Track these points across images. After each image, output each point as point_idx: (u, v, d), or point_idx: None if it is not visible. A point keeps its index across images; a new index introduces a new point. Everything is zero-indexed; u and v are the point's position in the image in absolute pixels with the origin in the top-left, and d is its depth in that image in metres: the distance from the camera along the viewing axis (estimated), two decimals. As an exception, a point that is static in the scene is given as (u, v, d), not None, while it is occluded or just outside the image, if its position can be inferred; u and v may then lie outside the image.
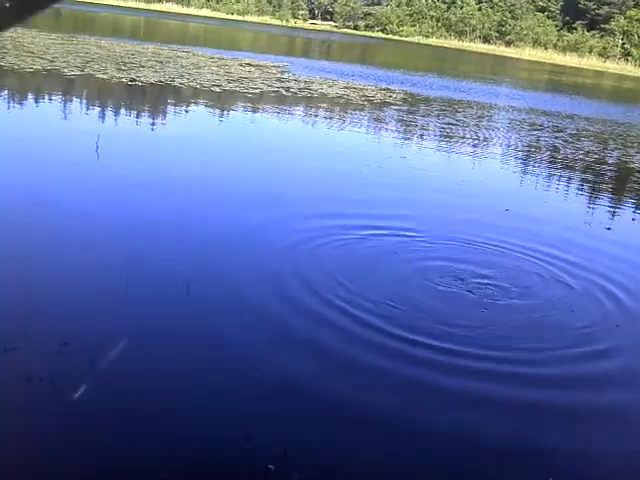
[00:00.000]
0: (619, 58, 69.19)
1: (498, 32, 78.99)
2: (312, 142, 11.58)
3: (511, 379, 3.86)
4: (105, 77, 14.52)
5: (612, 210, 8.89)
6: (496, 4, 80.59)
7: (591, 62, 66.53)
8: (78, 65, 15.84)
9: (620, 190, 10.60)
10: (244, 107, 13.74)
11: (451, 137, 13.06)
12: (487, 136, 13.80)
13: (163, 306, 4.30)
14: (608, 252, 6.52)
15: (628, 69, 63.60)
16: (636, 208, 9.37)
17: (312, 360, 3.80)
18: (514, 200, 8.71)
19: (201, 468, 2.83)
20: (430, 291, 4.89)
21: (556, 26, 77.80)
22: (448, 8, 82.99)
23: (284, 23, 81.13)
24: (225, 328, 4.05)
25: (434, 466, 3.06)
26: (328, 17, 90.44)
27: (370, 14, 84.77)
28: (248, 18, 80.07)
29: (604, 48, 71.41)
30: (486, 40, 78.13)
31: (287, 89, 16.65)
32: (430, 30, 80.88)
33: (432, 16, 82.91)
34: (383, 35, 79.58)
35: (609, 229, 7.68)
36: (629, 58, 68.35)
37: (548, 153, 12.77)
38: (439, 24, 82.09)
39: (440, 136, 13.22)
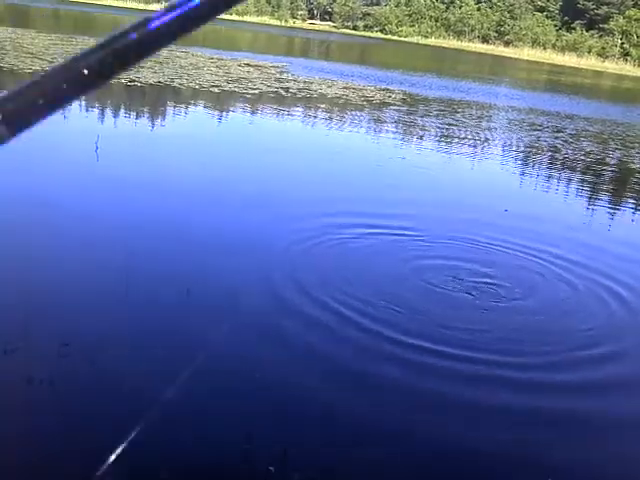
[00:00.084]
0: (618, 58, 69.24)
1: (497, 32, 79.05)
2: (311, 142, 11.59)
3: (512, 383, 3.84)
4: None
5: (613, 210, 8.90)
6: (495, 4, 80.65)
7: (590, 62, 66.57)
8: (77, 66, 15.82)
9: (621, 190, 10.61)
10: (243, 108, 13.75)
11: (450, 137, 13.06)
12: (486, 136, 13.81)
13: (162, 307, 4.30)
14: (609, 252, 6.51)
15: (627, 69, 63.65)
16: (637, 209, 9.38)
17: (311, 361, 3.80)
18: (513, 200, 8.71)
19: (201, 469, 2.83)
20: (429, 292, 4.88)
21: (555, 26, 77.86)
22: (447, 8, 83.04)
23: (283, 23, 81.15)
24: (225, 329, 4.05)
25: (432, 469, 3.07)
26: (327, 17, 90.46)
27: (369, 14, 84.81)
28: (247, 18, 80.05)
29: (603, 48, 71.47)
30: (485, 40, 78.18)
31: (286, 89, 16.65)
32: (429, 30, 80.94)
33: (431, 16, 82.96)
34: (382, 35, 79.59)
35: (610, 229, 7.69)
36: (628, 58, 68.40)
37: (548, 153, 12.78)
38: (438, 24, 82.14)
39: (439, 136, 13.23)
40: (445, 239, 6.21)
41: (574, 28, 75.06)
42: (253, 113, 13.18)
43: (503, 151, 12.52)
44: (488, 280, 5.19)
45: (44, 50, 18.32)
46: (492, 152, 12.34)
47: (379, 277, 5.09)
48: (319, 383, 3.58)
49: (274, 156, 9.41)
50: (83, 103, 12.09)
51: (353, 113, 14.94)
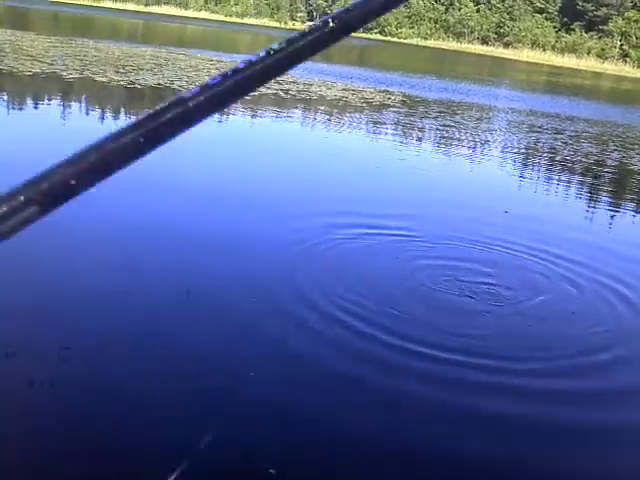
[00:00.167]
0: (617, 59, 69.33)
1: (496, 34, 79.14)
2: (310, 144, 11.59)
3: (515, 389, 3.82)
4: (104, 80, 14.53)
5: (613, 212, 8.90)
6: (494, 5, 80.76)
7: (589, 63, 66.66)
8: (77, 68, 15.84)
9: (621, 192, 10.60)
10: (242, 109, 13.75)
11: (450, 139, 13.06)
12: (486, 138, 13.81)
13: (163, 308, 4.29)
14: (611, 253, 6.50)
15: (626, 70, 63.74)
16: (637, 210, 9.37)
17: (311, 363, 3.79)
18: (513, 202, 8.71)
19: (201, 471, 2.82)
20: (429, 293, 4.87)
21: (554, 27, 77.96)
22: (446, 10, 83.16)
23: (282, 25, 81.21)
24: (225, 330, 4.05)
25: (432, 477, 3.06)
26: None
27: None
28: (246, 20, 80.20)
29: (602, 49, 71.57)
30: (484, 42, 78.29)
31: (285, 91, 16.66)
32: (428, 32, 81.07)
33: (430, 18, 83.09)
34: (381, 37, 79.71)
35: (610, 230, 7.68)
36: (627, 59, 68.50)
37: (548, 155, 12.78)
38: (437, 26, 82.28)
39: (439, 138, 13.23)
40: (445, 240, 6.20)
41: (573, 29, 75.16)
42: (252, 115, 13.18)
43: (503, 153, 12.52)
44: (489, 283, 5.16)
45: (44, 52, 18.33)
46: (492, 154, 12.34)
47: (379, 278, 5.08)
48: (318, 385, 3.57)
49: (274, 157, 9.41)
50: (83, 106, 12.10)
51: (352, 115, 14.94)
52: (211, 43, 38.67)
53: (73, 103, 12.14)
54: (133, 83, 14.59)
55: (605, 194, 10.07)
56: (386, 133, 13.05)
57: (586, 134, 16.23)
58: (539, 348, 4.28)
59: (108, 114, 11.57)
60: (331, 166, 9.34)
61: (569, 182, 10.57)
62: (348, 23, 0.55)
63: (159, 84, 14.95)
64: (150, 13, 69.68)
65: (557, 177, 10.80)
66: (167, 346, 3.80)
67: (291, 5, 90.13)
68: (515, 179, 10.31)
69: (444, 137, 13.25)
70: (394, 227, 6.37)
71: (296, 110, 14.98)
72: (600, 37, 73.27)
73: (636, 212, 9.18)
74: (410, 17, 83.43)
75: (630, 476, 3.26)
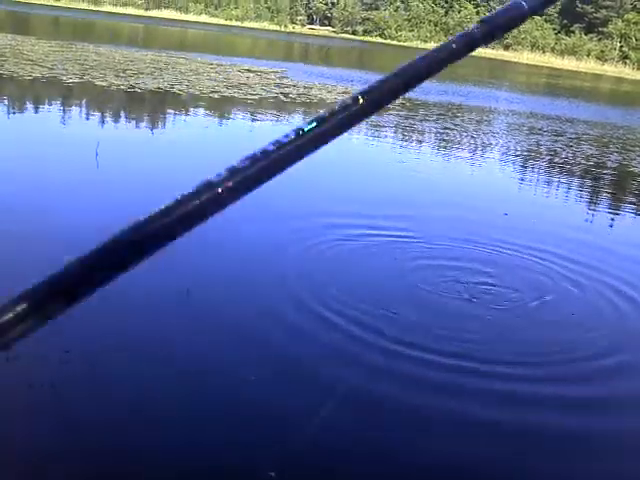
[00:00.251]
0: (617, 61, 69.39)
1: (496, 36, 79.14)
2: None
3: (518, 396, 3.82)
4: (104, 84, 14.54)
5: (614, 213, 8.90)
6: (493, 8, 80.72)
7: (589, 65, 66.73)
8: (77, 72, 15.87)
9: (621, 193, 10.61)
10: (243, 113, 13.76)
11: (450, 142, 13.08)
12: (486, 140, 13.82)
13: (163, 308, 4.30)
14: (612, 255, 6.50)
15: (626, 72, 63.80)
16: (638, 212, 9.38)
17: (312, 366, 3.79)
18: (513, 204, 8.71)
19: (201, 474, 2.82)
20: (428, 295, 4.87)
21: (554, 30, 78.04)
22: (446, 13, 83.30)
23: (282, 28, 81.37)
24: (225, 332, 4.05)
25: None
26: (326, 22, 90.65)
27: (368, 19, 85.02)
28: (247, 24, 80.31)
29: (602, 51, 71.64)
30: (484, 44, 78.30)
31: (286, 95, 16.68)
32: (428, 35, 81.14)
33: (430, 21, 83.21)
34: (381, 40, 79.81)
35: (611, 232, 7.68)
36: (627, 61, 68.56)
37: (548, 157, 12.78)
38: (437, 28, 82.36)
39: (439, 141, 13.24)
40: (444, 242, 6.20)
41: (573, 32, 75.25)
42: (253, 119, 13.20)
43: (503, 155, 12.52)
44: (490, 285, 5.16)
45: (44, 57, 18.36)
46: (492, 156, 12.34)
47: (378, 279, 5.09)
48: (318, 385, 3.57)
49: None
50: (83, 110, 12.11)
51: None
52: (211, 47, 38.71)
53: (73, 107, 12.16)
54: (133, 87, 14.61)
55: (605, 196, 10.07)
56: (386, 136, 13.05)
57: (586, 136, 16.24)
58: (539, 349, 4.28)
59: (108, 118, 11.58)
60: (331, 167, 9.34)
61: (569, 184, 10.57)
62: (377, 100, 0.55)
63: (159, 88, 14.97)
64: (150, 17, 69.82)
65: (557, 179, 10.79)
66: (167, 346, 3.81)
67: (291, 8, 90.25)
68: (515, 181, 10.32)
69: (444, 140, 13.26)
70: (394, 228, 6.37)
71: (296, 113, 14.99)
72: (600, 39, 73.35)
73: (637, 214, 9.18)
74: (410, 20, 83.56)
75: None
